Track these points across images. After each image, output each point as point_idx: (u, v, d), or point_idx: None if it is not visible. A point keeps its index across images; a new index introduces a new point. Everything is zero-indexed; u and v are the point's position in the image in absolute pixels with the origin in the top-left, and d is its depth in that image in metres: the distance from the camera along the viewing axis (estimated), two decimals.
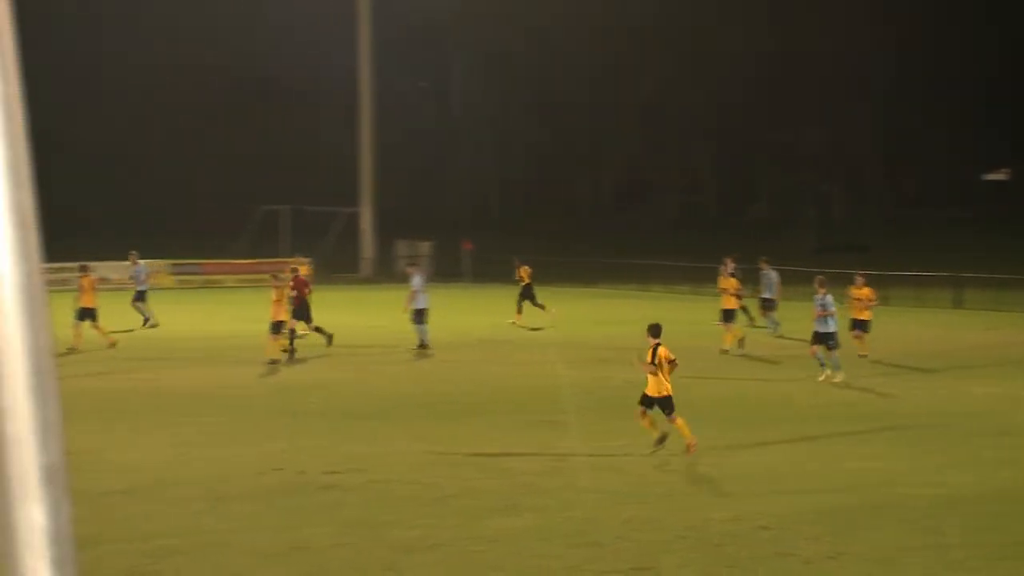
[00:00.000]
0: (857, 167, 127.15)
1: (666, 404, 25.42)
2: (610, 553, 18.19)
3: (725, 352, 43.09)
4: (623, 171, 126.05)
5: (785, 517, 20.14)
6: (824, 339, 36.79)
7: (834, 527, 19.56)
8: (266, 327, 41.36)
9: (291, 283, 43.08)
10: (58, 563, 2.65)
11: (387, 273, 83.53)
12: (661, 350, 25.57)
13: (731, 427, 28.84)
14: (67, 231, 72.29)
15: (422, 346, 43.85)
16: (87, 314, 44.22)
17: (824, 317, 36.80)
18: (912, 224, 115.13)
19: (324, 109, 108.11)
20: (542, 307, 53.08)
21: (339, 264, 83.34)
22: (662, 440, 25.33)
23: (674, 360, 25.64)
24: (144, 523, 19.80)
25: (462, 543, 18.71)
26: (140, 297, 52.40)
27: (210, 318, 57.02)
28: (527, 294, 53.93)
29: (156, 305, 53.83)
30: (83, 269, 46.90)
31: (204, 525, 19.83)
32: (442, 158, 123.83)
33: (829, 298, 37.25)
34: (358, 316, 55.71)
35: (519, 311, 53.10)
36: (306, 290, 43.48)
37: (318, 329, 43.53)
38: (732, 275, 46.03)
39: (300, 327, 42.70)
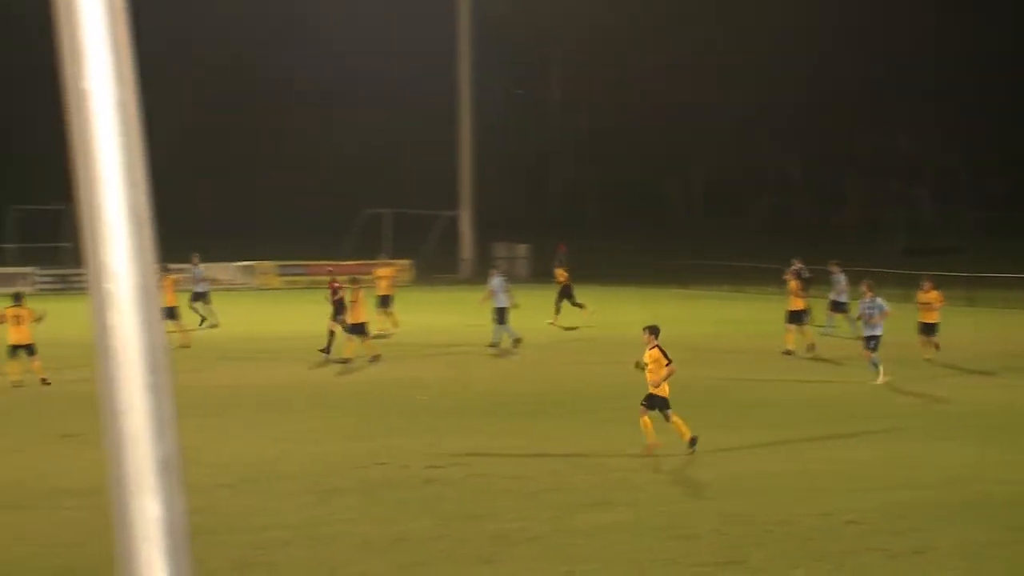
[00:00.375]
0: (945, 169, 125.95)
1: (660, 403, 25.21)
2: (702, 546, 18.13)
3: (789, 353, 42.11)
4: (715, 173, 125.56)
5: (872, 512, 19.99)
6: (866, 341, 36.18)
7: (920, 522, 19.40)
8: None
9: (330, 285, 43.04)
10: (173, 553, 2.67)
11: (485, 274, 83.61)
12: (651, 352, 25.48)
13: (816, 425, 28.69)
14: (180, 232, 72.91)
15: (493, 345, 44.11)
16: (169, 313, 44.57)
17: (871, 320, 36.08)
18: (1001, 226, 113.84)
19: (425, 114, 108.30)
20: (581, 306, 52.56)
21: (439, 265, 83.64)
22: (693, 443, 25.13)
23: (669, 363, 25.42)
24: (252, 515, 19.95)
25: (557, 536, 18.71)
26: (197, 298, 52.41)
27: (310, 317, 57.09)
28: (565, 294, 53.63)
29: (263, 304, 54.23)
30: (164, 270, 47.37)
31: (310, 517, 19.94)
32: (539, 163, 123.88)
33: (878, 300, 36.64)
34: (457, 316, 55.81)
35: (557, 311, 52.65)
36: (341, 293, 43.03)
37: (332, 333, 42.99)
38: (797, 275, 45.13)
39: (338, 328, 42.30)
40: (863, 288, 37.57)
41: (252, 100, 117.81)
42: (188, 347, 43.68)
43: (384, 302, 49.98)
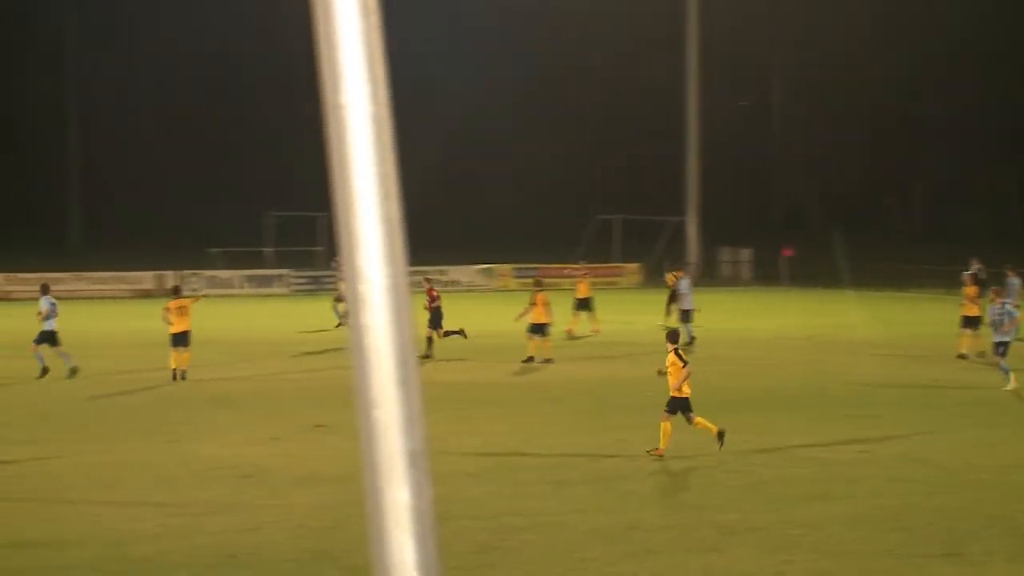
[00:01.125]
0: None
1: (683, 405, 24.41)
2: (920, 538, 17.83)
3: (963, 357, 40.09)
4: (932, 182, 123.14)
5: None
6: (995, 347, 34.75)
7: None
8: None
9: (428, 292, 42.65)
10: (421, 537, 2.70)
11: (711, 276, 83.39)
12: (670, 356, 24.75)
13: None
14: (426, 236, 73.80)
15: (690, 341, 43.76)
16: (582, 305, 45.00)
17: (1001, 327, 34.52)
18: None
19: (654, 124, 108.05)
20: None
21: (666, 269, 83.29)
22: (721, 437, 24.39)
23: (685, 366, 24.63)
24: (491, 503, 20.11)
25: (779, 527, 18.55)
26: (341, 299, 52.54)
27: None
28: (674, 298, 52.72)
29: (500, 305, 54.46)
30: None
31: (545, 506, 20.05)
32: (763, 170, 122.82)
33: (1008, 306, 35.18)
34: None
35: (668, 313, 51.79)
36: (438, 302, 42.62)
37: (448, 333, 42.54)
38: (975, 278, 42.89)
39: (435, 335, 41.74)
40: (991, 294, 36.24)
41: (495, 114, 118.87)
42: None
43: (583, 305, 49.86)
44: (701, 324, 46.64)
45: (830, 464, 23.41)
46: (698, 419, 24.47)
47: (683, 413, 24.35)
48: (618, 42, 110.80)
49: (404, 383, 2.73)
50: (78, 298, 66.69)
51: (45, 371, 35.49)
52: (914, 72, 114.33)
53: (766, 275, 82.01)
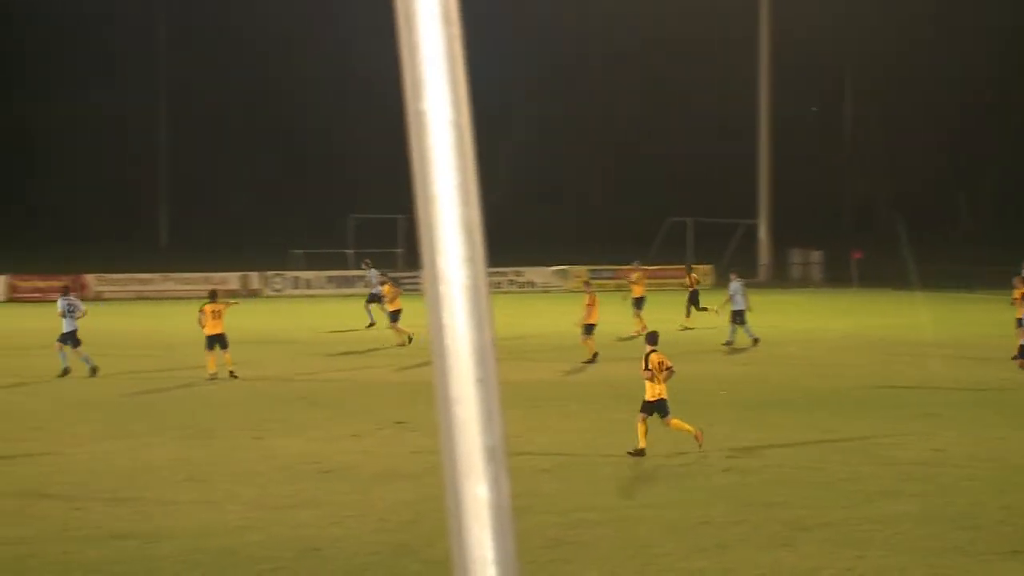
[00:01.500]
0: None
1: (660, 407, 23.80)
2: (990, 536, 17.68)
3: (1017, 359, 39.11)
4: (1001, 183, 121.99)
5: None
6: None
7: None
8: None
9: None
10: (499, 532, 2.71)
11: (782, 278, 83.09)
12: (654, 356, 23.98)
13: None
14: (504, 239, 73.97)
15: (754, 342, 43.71)
16: (395, 316, 44.72)
17: None
18: None
19: (728, 130, 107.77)
20: (706, 310, 50.90)
21: (738, 271, 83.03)
22: (697, 439, 23.76)
23: (670, 367, 24.02)
24: (566, 498, 20.12)
25: (850, 523, 18.46)
26: (372, 299, 52.35)
27: (615, 317, 56.83)
28: (694, 299, 52.31)
29: (572, 306, 54.33)
30: (391, 280, 47.72)
31: (617, 502, 20.06)
32: (834, 172, 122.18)
33: None
34: (753, 317, 55.29)
35: (688, 315, 51.39)
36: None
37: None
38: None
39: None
40: None
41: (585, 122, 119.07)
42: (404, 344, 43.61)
43: (639, 304, 49.89)
44: (775, 325, 46.45)
45: (901, 463, 23.25)
46: (675, 421, 23.97)
47: (660, 415, 23.81)
48: (691, 44, 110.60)
49: (483, 381, 2.74)
50: (166, 298, 67.39)
51: (66, 371, 35.48)
52: (983, 72, 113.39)
53: (836, 276, 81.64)
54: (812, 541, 17.50)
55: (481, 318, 2.71)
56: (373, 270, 54.42)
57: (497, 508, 2.71)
